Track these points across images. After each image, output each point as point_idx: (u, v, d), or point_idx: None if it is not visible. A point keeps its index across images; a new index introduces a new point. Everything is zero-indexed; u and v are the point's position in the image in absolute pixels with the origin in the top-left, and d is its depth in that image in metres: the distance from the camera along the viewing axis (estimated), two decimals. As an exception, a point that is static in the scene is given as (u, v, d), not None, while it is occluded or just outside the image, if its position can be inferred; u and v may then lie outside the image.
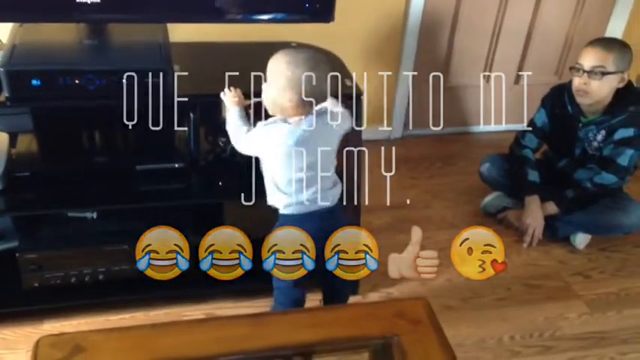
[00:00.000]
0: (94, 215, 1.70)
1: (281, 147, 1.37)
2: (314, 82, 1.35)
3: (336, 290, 1.62)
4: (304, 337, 1.08)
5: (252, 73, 1.43)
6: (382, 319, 1.13)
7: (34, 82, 1.43)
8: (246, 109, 1.51)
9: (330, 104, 1.47)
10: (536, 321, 1.85)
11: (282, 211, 1.45)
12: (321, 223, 1.43)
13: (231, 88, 1.49)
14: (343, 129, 1.47)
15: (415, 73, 2.59)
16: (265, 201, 1.48)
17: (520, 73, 2.76)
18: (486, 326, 1.81)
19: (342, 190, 1.52)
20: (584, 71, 1.99)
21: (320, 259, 1.53)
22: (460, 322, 1.80)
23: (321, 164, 1.41)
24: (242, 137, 1.43)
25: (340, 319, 1.13)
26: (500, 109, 2.80)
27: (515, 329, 1.81)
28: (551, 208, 2.16)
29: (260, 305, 1.75)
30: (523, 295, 1.95)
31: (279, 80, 1.35)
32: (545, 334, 1.81)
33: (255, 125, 1.44)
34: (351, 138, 1.56)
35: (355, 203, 1.70)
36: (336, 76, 1.39)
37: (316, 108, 1.39)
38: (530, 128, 2.21)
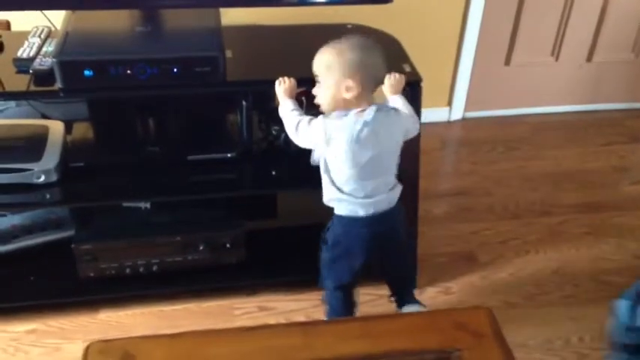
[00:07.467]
0: (148, 206, 1.69)
1: (341, 140, 1.29)
2: (370, 67, 1.28)
3: (400, 280, 1.62)
4: (357, 348, 1.02)
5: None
6: (441, 330, 1.06)
7: (86, 72, 1.41)
8: (298, 97, 1.45)
9: (399, 104, 1.40)
10: (606, 321, 1.73)
11: (337, 211, 1.39)
12: (377, 228, 1.38)
13: (286, 79, 1.42)
14: (410, 130, 1.39)
15: (478, 51, 2.47)
16: (319, 191, 1.41)
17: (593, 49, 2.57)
18: (553, 326, 1.71)
19: (400, 186, 1.43)
20: None
21: (377, 257, 1.48)
22: (524, 321, 1.70)
23: (383, 162, 1.34)
24: (300, 129, 1.35)
25: (395, 330, 1.06)
26: (570, 89, 2.65)
27: (585, 330, 1.70)
28: None
29: (312, 298, 1.71)
30: (593, 293, 1.83)
31: (333, 72, 1.28)
32: (617, 335, 1.70)
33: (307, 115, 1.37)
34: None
35: (412, 190, 1.62)
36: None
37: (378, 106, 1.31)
38: None
